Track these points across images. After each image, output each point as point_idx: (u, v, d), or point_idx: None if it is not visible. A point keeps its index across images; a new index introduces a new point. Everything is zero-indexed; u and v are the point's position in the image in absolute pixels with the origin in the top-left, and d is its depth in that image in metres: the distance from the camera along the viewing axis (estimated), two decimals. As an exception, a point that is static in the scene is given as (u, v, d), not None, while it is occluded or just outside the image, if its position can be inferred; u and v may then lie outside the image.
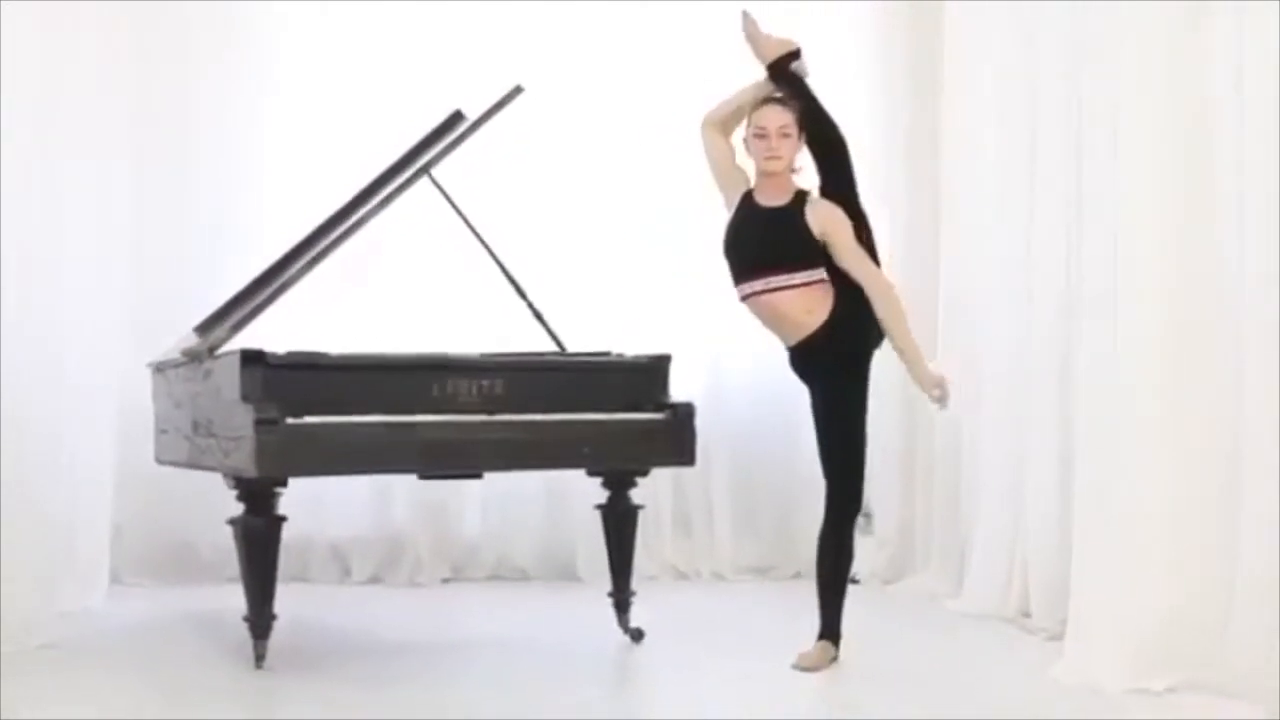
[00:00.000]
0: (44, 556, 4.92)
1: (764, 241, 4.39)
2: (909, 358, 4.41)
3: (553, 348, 4.98)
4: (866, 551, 6.28)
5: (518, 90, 4.92)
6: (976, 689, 4.19)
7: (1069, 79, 4.76)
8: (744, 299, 4.45)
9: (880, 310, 4.35)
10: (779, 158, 4.38)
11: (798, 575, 6.29)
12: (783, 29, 5.34)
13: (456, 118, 5.14)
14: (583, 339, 5.12)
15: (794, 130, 4.40)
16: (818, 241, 4.36)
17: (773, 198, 4.42)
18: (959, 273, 5.92)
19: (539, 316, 4.99)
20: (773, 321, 4.44)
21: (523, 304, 4.99)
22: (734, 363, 6.43)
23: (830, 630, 4.45)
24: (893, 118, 6.43)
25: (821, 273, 4.37)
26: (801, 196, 4.43)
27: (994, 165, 5.53)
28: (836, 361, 4.39)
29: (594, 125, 6.43)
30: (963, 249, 5.88)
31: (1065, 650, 4.27)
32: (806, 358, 4.43)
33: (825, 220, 4.39)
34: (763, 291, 4.38)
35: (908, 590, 6.03)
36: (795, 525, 6.36)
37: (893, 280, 4.53)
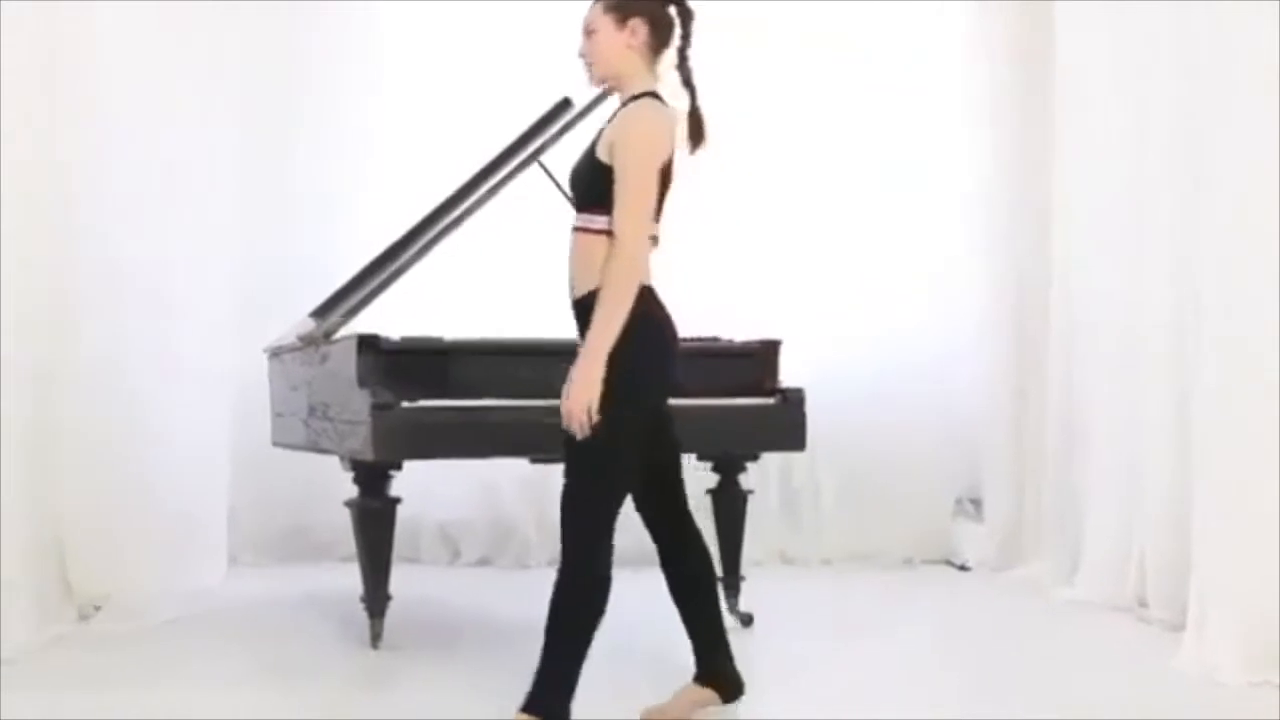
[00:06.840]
0: (164, 538, 5.08)
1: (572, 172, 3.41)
2: (588, 350, 3.18)
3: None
4: (976, 539, 6.24)
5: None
6: (1093, 681, 4.12)
7: (1182, 75, 4.66)
8: None
9: (605, 275, 3.22)
10: (589, 64, 3.41)
11: (907, 561, 6.30)
12: (890, 31, 5.18)
13: (564, 105, 5.15)
14: (693, 324, 5.11)
15: (601, 23, 3.34)
16: (606, 169, 3.23)
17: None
18: (1070, 257, 5.80)
19: (649, 301, 4.97)
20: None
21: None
22: (843, 348, 6.39)
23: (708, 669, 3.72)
24: (1001, 118, 6.33)
25: (604, 222, 3.25)
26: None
27: (1108, 165, 5.43)
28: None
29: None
30: (1074, 243, 5.74)
31: (1185, 641, 4.20)
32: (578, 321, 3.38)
33: (613, 133, 3.26)
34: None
35: (1018, 579, 5.93)
36: (903, 511, 6.36)
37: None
